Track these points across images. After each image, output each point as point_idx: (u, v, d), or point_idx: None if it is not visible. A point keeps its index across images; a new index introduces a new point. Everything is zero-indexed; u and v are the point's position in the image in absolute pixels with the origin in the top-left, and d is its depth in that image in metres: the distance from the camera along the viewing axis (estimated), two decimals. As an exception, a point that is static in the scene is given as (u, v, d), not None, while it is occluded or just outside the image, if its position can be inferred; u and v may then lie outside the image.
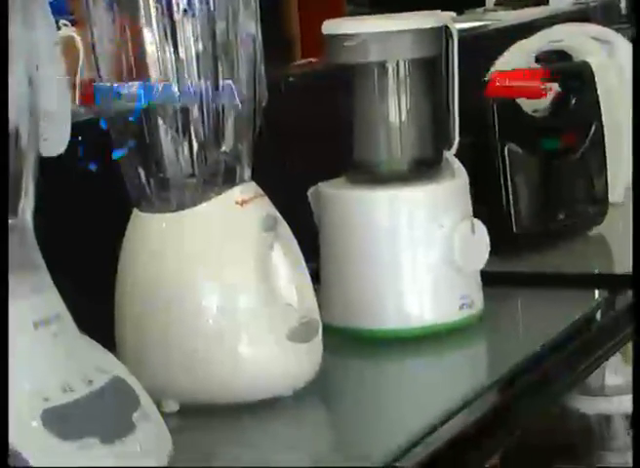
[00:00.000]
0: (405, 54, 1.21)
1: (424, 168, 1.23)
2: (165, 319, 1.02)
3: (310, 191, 1.25)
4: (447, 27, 1.24)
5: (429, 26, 1.21)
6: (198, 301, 1.02)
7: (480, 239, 1.21)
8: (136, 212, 1.05)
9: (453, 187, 1.22)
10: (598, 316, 1.26)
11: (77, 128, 0.91)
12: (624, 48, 1.77)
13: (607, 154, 1.57)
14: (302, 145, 1.36)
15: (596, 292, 1.32)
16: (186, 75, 1.02)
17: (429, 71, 1.24)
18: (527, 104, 1.49)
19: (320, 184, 1.24)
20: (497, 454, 1.64)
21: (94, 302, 0.95)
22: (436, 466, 0.93)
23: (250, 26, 1.05)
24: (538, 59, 1.69)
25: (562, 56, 1.71)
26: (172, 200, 1.04)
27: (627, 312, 1.26)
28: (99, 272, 1.05)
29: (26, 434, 0.80)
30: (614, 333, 1.25)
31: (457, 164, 1.25)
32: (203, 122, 1.03)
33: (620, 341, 1.26)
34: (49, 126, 0.90)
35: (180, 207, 1.03)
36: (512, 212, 1.44)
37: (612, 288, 1.32)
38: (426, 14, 1.24)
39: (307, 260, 1.09)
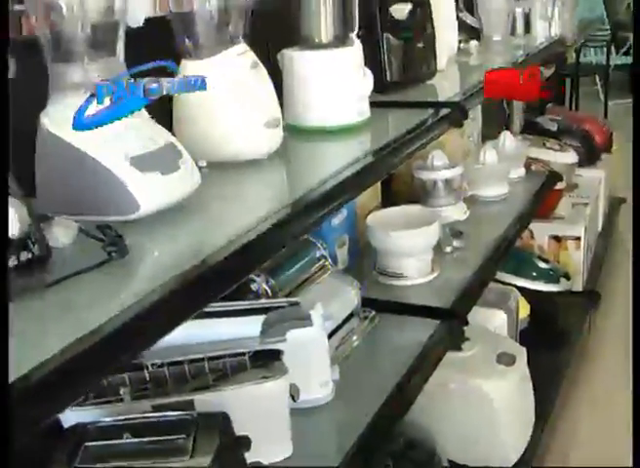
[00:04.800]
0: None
1: (338, 41, 1.13)
2: (195, 121, 0.95)
3: (278, 54, 1.15)
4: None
5: None
6: (216, 107, 0.94)
7: (369, 78, 1.13)
8: (183, 61, 0.97)
9: (354, 51, 1.13)
10: (428, 122, 1.19)
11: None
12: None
13: (436, 41, 1.47)
14: (275, 24, 1.22)
15: (429, 110, 1.25)
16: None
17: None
18: (395, 11, 1.38)
19: (283, 50, 1.15)
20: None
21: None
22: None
23: None
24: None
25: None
26: (201, 53, 0.95)
27: (443, 119, 1.20)
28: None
29: (122, 170, 0.75)
30: (434, 133, 1.18)
31: (356, 40, 1.15)
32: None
33: (439, 134, 1.20)
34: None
35: (206, 56, 0.95)
36: (387, 70, 1.36)
37: (437, 109, 1.25)
38: None
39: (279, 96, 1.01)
